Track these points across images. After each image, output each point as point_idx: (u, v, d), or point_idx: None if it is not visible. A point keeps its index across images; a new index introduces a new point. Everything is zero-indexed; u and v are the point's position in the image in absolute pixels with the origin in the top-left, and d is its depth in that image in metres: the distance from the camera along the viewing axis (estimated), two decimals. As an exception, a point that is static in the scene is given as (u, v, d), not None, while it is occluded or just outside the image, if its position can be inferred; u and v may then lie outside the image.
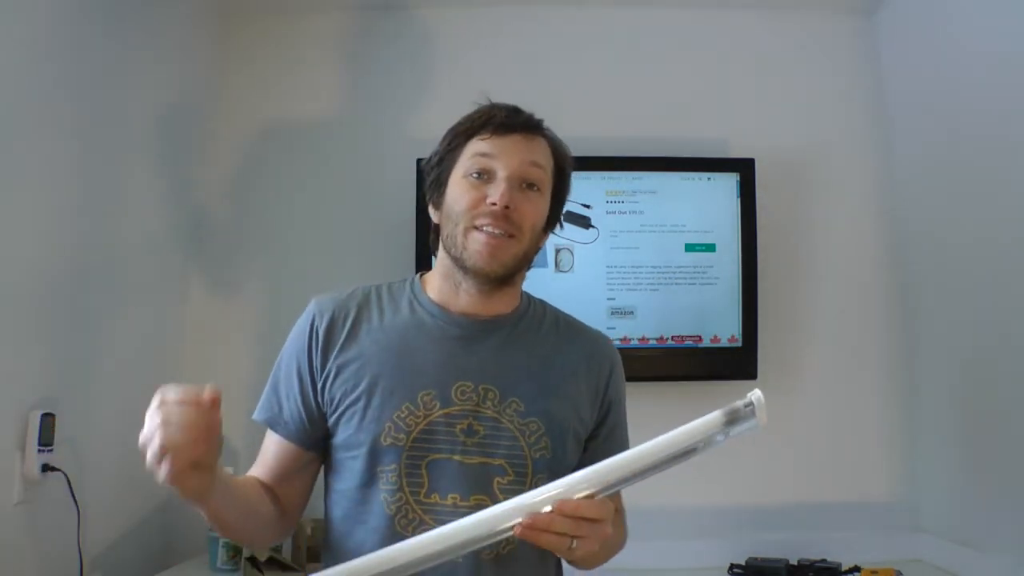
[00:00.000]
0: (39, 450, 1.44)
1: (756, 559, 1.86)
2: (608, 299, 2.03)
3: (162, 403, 0.82)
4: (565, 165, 1.13)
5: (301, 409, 1.06)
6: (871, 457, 2.08)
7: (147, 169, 1.89)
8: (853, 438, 2.08)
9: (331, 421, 1.06)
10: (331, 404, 1.05)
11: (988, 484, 1.79)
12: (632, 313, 2.02)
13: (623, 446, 1.15)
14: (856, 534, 1.99)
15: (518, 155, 1.05)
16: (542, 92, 2.27)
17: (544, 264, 2.03)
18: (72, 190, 1.59)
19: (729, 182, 2.07)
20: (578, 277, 2.03)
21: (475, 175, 1.05)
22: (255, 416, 1.10)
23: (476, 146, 1.06)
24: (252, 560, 1.74)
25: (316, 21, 2.23)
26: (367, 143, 2.18)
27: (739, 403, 0.82)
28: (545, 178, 1.08)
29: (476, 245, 1.03)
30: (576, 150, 2.23)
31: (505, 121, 1.06)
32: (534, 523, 0.82)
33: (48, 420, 1.46)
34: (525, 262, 1.09)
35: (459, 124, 1.09)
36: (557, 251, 2.04)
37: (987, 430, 1.79)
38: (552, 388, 1.07)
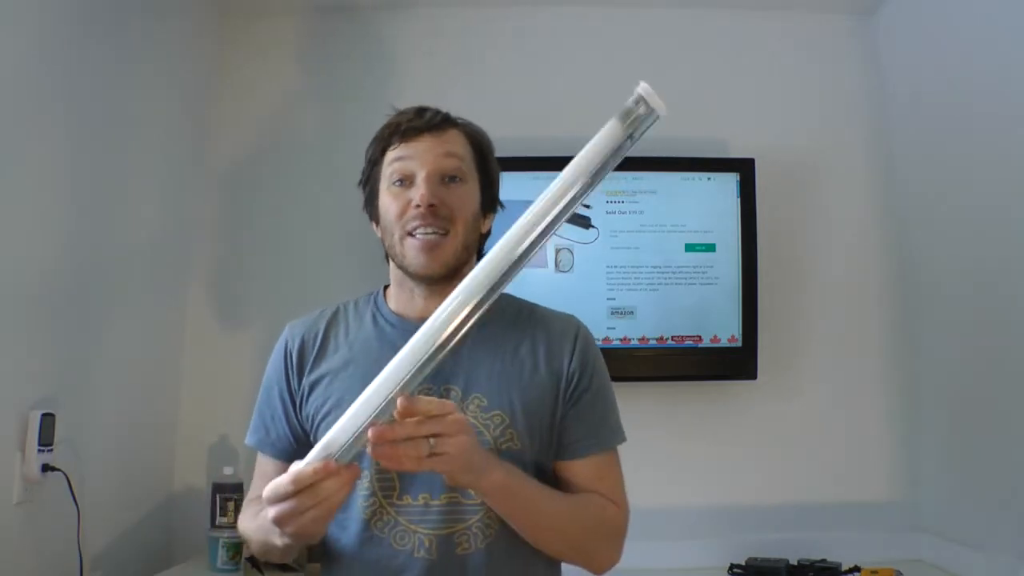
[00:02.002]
0: (39, 450, 1.44)
1: (756, 559, 1.86)
2: (608, 299, 2.03)
3: (308, 479, 0.82)
4: (484, 148, 1.14)
5: (286, 429, 1.12)
6: (871, 457, 2.08)
7: (146, 169, 1.89)
8: (853, 438, 2.08)
9: (313, 437, 1.09)
10: (309, 420, 1.10)
11: (988, 484, 1.79)
12: (632, 313, 2.02)
13: (601, 416, 1.11)
14: (856, 534, 2.00)
15: (430, 152, 1.07)
16: (541, 92, 2.30)
17: (544, 264, 2.03)
18: (72, 190, 1.59)
19: (729, 182, 2.07)
20: (578, 277, 2.03)
21: (397, 183, 1.08)
22: (247, 441, 1.15)
23: (391, 154, 1.09)
24: (252, 560, 1.74)
25: (316, 22, 2.23)
26: (366, 143, 2.17)
27: (628, 102, 0.80)
28: (464, 166, 1.10)
29: (413, 251, 1.06)
30: (576, 150, 2.23)
31: (410, 125, 1.09)
32: (380, 437, 0.81)
33: (48, 420, 1.46)
34: (468, 254, 1.11)
35: (374, 137, 1.13)
36: (557, 251, 2.04)
37: (987, 430, 1.79)
38: (514, 380, 1.07)
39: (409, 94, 2.17)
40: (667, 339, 2.02)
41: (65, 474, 1.48)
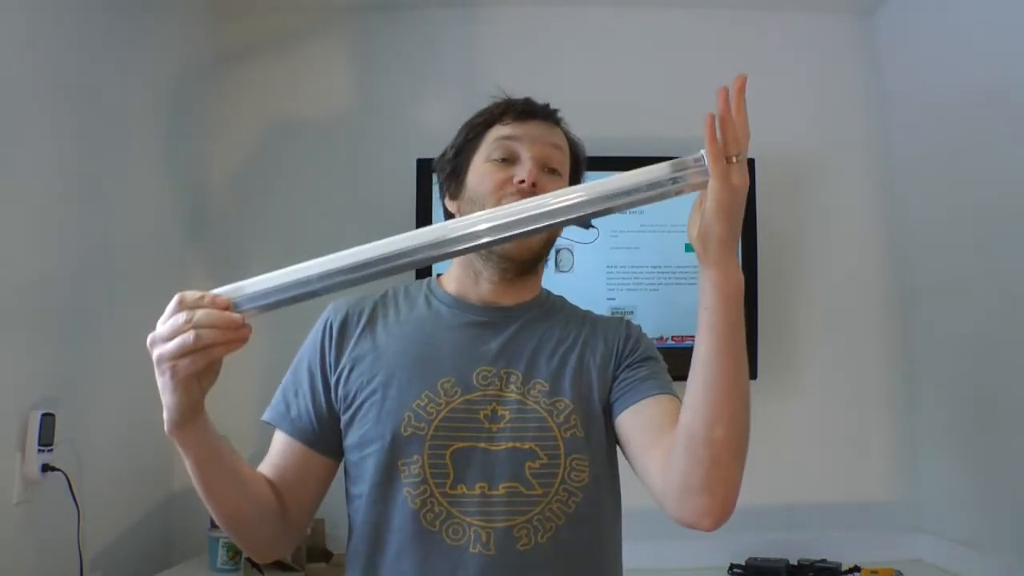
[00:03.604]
0: (39, 450, 1.44)
1: (756, 559, 1.86)
2: (608, 299, 2.03)
3: (191, 303, 0.81)
4: (580, 157, 1.14)
5: (310, 406, 1.04)
6: (871, 457, 2.08)
7: (147, 168, 1.89)
8: (853, 438, 2.08)
9: (345, 419, 1.02)
10: (346, 400, 1.02)
11: (988, 484, 1.79)
12: (632, 313, 2.02)
13: (661, 379, 1.06)
14: (856, 534, 2.00)
15: (540, 138, 1.06)
16: (541, 92, 2.27)
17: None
18: (72, 189, 1.60)
19: (729, 182, 2.07)
20: (578, 277, 2.03)
21: (499, 158, 1.05)
22: (264, 416, 1.08)
23: (498, 131, 1.07)
24: (252, 560, 1.74)
25: (316, 20, 2.23)
26: (367, 142, 2.18)
27: (688, 158, 0.83)
28: (566, 163, 1.09)
29: None
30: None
31: (525, 108, 1.08)
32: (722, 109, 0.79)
33: (48, 420, 1.46)
34: (548, 248, 1.09)
35: (476, 116, 1.11)
36: (557, 251, 2.04)
37: (987, 430, 1.79)
38: (576, 367, 1.04)
39: (405, 92, 2.20)
40: (667, 339, 2.02)
41: (65, 474, 1.48)
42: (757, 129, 2.36)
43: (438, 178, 1.15)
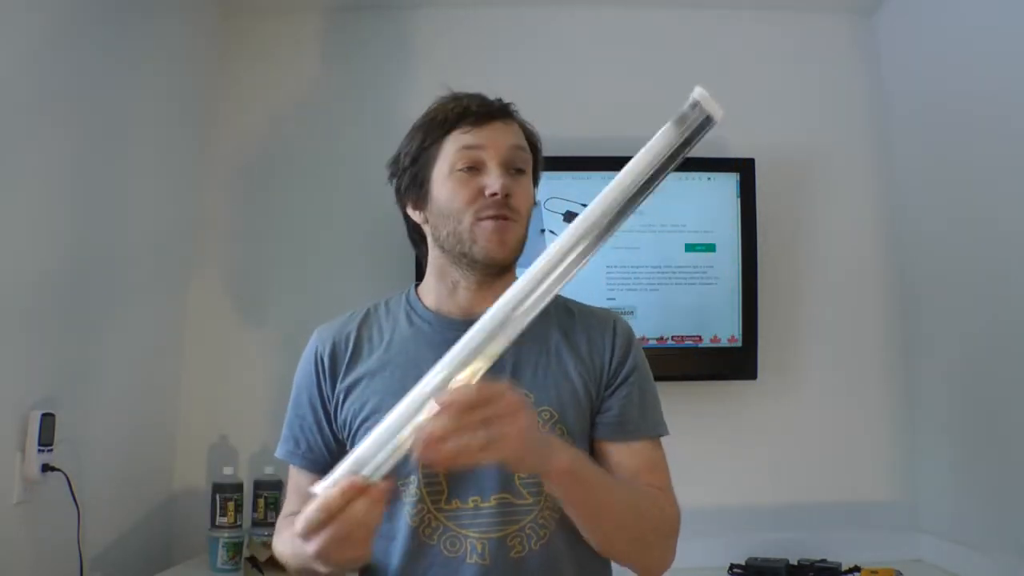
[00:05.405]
0: (39, 450, 1.44)
1: (756, 559, 1.86)
2: (608, 299, 2.03)
3: (341, 508, 0.77)
4: (538, 145, 1.13)
5: (319, 439, 1.07)
6: (871, 457, 2.08)
7: (147, 169, 1.89)
8: (853, 438, 2.08)
9: (349, 446, 1.05)
10: (345, 428, 1.06)
11: (988, 484, 1.79)
12: (632, 313, 2.02)
13: (652, 403, 1.09)
14: (856, 534, 1.99)
15: (504, 142, 1.05)
16: (541, 93, 2.27)
17: (544, 264, 2.03)
18: (72, 190, 1.59)
19: (729, 182, 2.07)
20: (578, 277, 2.00)
21: (465, 169, 1.04)
22: (277, 453, 1.10)
23: (459, 139, 1.04)
24: (252, 560, 1.74)
25: (318, 21, 2.23)
26: (369, 143, 2.17)
27: (684, 107, 0.77)
28: (529, 159, 1.09)
29: (486, 235, 1.02)
30: (575, 151, 2.23)
31: (481, 110, 1.05)
32: (428, 440, 0.74)
33: (48, 420, 1.46)
34: (524, 244, 1.08)
35: (430, 119, 1.08)
36: (557, 251, 2.04)
37: (987, 430, 1.79)
38: (559, 375, 1.04)
39: (414, 92, 2.19)
40: (667, 339, 2.02)
41: (65, 474, 1.48)
42: (757, 129, 2.36)
43: (393, 184, 1.14)
